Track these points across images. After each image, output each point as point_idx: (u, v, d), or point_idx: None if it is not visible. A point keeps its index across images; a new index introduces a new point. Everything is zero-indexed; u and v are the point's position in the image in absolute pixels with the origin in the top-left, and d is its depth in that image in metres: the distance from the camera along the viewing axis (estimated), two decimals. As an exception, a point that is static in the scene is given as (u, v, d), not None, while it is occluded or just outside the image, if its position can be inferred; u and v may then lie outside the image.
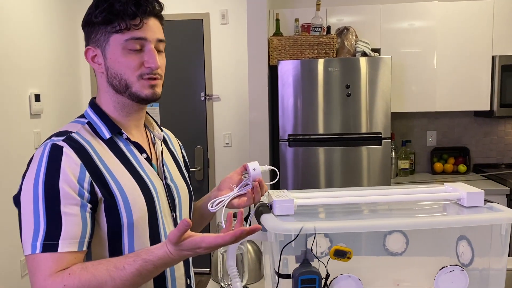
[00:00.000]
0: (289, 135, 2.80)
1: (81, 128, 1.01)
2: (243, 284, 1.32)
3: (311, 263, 0.91)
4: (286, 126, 2.80)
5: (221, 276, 1.30)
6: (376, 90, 2.72)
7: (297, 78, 2.75)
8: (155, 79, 1.02)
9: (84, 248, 0.92)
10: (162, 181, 1.09)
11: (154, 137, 1.15)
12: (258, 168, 1.04)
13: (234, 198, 1.09)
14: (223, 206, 1.05)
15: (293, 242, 0.87)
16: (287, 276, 0.91)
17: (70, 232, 0.90)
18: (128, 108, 1.06)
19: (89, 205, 0.94)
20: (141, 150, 1.07)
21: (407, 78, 3.06)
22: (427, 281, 1.03)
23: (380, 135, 2.75)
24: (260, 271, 1.52)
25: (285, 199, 0.96)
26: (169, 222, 1.08)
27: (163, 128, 1.22)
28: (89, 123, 1.03)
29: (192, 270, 1.17)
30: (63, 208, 0.90)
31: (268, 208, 0.99)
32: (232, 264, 0.94)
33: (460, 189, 1.03)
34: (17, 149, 2.82)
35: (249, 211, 1.06)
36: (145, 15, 0.99)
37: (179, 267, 1.10)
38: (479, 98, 3.04)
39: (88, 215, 0.93)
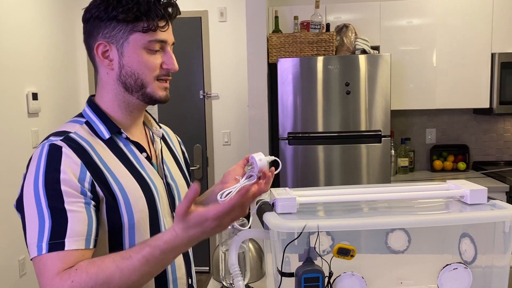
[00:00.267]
0: (288, 133, 2.79)
1: (79, 128, 0.99)
2: (245, 282, 1.31)
3: (314, 261, 0.90)
4: (286, 124, 2.79)
5: (223, 275, 1.29)
6: (376, 87, 2.72)
7: (296, 76, 2.74)
8: (167, 81, 1.03)
9: (91, 246, 0.90)
10: (163, 180, 1.08)
11: (153, 135, 1.14)
12: (264, 158, 1.03)
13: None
14: (232, 197, 1.05)
15: (296, 240, 0.86)
16: (290, 275, 0.90)
17: (76, 229, 0.88)
18: (133, 108, 1.05)
19: (92, 202, 0.92)
20: (141, 149, 1.06)
21: (406, 76, 3.05)
22: (430, 279, 1.03)
23: (380, 132, 2.74)
24: (262, 270, 1.51)
25: (288, 197, 0.95)
26: (169, 222, 1.07)
27: (161, 125, 1.21)
28: (87, 123, 1.02)
29: (193, 269, 1.16)
30: (67, 206, 0.88)
31: (270, 206, 0.98)
32: (234, 263, 0.93)
33: (463, 187, 1.03)
34: (14, 148, 2.81)
35: (249, 209, 1.06)
36: (171, 18, 1.00)
37: (181, 267, 1.09)
38: (479, 96, 3.04)
39: (93, 212, 0.91)
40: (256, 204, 1.01)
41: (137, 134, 1.09)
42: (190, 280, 1.13)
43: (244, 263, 1.22)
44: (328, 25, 2.99)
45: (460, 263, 0.97)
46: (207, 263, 3.77)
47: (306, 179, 2.79)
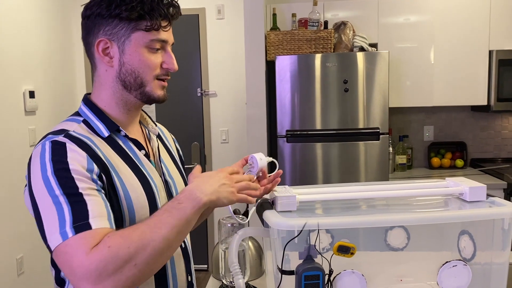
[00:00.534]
0: (286, 130, 2.79)
1: (77, 127, 0.98)
2: (245, 280, 1.31)
3: (315, 259, 0.90)
4: (284, 121, 2.79)
5: (223, 272, 1.29)
6: (374, 85, 2.72)
7: (294, 74, 2.74)
8: (165, 81, 1.04)
9: (114, 227, 0.88)
10: (161, 177, 1.08)
11: (149, 133, 1.14)
12: (264, 158, 1.04)
13: None
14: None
15: (296, 238, 0.86)
16: (290, 273, 0.90)
17: (96, 210, 0.86)
18: (130, 106, 1.05)
19: (103, 191, 0.91)
20: (140, 146, 1.06)
21: (404, 73, 3.06)
22: (429, 276, 1.03)
23: (378, 130, 2.74)
24: (261, 268, 1.51)
25: (288, 195, 0.95)
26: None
27: (156, 123, 1.21)
28: (85, 121, 1.01)
29: (192, 266, 1.16)
30: (82, 191, 0.86)
31: (270, 204, 0.98)
32: (235, 261, 0.93)
33: (462, 184, 1.03)
34: (12, 146, 2.80)
35: (247, 207, 1.06)
36: (173, 18, 1.01)
37: (180, 263, 1.09)
38: (476, 93, 3.05)
39: (106, 198, 0.91)
40: (256, 202, 1.02)
41: (134, 132, 1.09)
42: (189, 277, 1.13)
43: (244, 261, 1.22)
44: (326, 23, 2.98)
45: (459, 260, 0.98)
46: (205, 261, 3.77)
47: (304, 177, 2.80)
